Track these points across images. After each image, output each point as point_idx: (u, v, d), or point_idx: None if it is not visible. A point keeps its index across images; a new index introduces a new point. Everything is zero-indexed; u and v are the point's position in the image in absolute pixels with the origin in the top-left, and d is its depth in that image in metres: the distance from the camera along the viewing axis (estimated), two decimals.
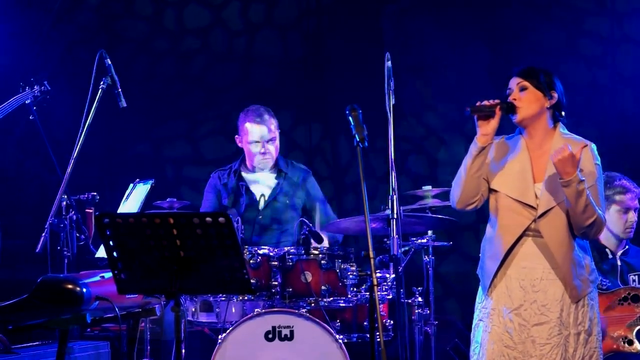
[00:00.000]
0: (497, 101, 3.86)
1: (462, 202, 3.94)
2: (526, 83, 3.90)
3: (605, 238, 5.21)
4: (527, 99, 3.88)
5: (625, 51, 6.96)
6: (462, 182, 3.91)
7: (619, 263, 5.22)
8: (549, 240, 3.82)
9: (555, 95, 3.90)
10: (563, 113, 3.95)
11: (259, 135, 5.54)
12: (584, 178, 3.70)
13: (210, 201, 5.66)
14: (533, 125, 3.91)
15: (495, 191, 3.93)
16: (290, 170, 5.65)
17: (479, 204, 3.95)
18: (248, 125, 5.57)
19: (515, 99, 3.89)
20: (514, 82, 3.93)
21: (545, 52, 6.87)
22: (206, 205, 5.68)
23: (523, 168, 3.89)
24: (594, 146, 3.90)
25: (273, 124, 5.58)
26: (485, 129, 3.85)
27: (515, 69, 3.97)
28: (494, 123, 3.85)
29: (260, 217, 5.54)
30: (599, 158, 3.90)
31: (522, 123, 3.92)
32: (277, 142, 5.61)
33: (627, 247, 5.27)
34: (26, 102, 5.45)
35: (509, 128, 4.02)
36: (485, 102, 3.86)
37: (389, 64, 4.34)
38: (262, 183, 5.63)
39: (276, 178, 5.62)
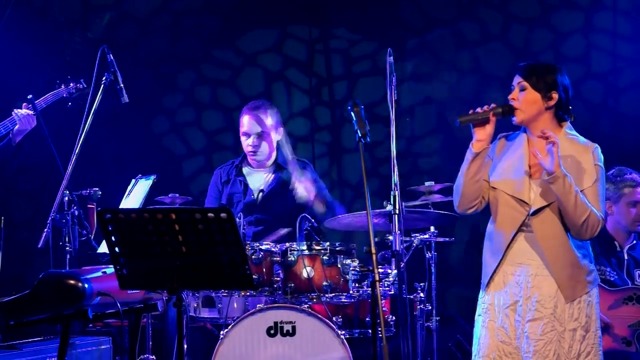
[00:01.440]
0: (491, 107, 3.83)
1: (462, 207, 3.95)
2: (525, 83, 3.85)
3: (613, 230, 5.25)
4: (525, 100, 3.84)
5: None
6: (461, 188, 3.91)
7: (625, 257, 5.24)
8: (541, 237, 3.81)
9: (555, 96, 3.83)
10: (570, 112, 3.89)
11: (249, 127, 5.51)
12: (568, 174, 3.68)
13: (213, 198, 5.67)
14: (533, 125, 3.87)
15: (494, 188, 3.92)
16: (289, 165, 5.61)
17: (480, 207, 3.95)
18: (242, 117, 5.55)
19: (514, 98, 3.87)
20: (516, 80, 3.89)
21: None
22: (209, 201, 5.69)
23: (520, 164, 3.87)
24: (597, 147, 3.87)
25: (267, 118, 5.52)
26: (481, 134, 3.83)
27: (520, 64, 3.91)
28: (489, 129, 3.83)
29: (257, 211, 5.53)
30: (602, 159, 3.86)
31: (521, 124, 3.90)
32: (271, 139, 5.54)
33: (634, 241, 5.30)
34: (64, 95, 5.51)
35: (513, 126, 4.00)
36: (479, 110, 3.83)
37: (390, 59, 4.33)
38: (260, 178, 5.61)
39: (274, 172, 5.60)
